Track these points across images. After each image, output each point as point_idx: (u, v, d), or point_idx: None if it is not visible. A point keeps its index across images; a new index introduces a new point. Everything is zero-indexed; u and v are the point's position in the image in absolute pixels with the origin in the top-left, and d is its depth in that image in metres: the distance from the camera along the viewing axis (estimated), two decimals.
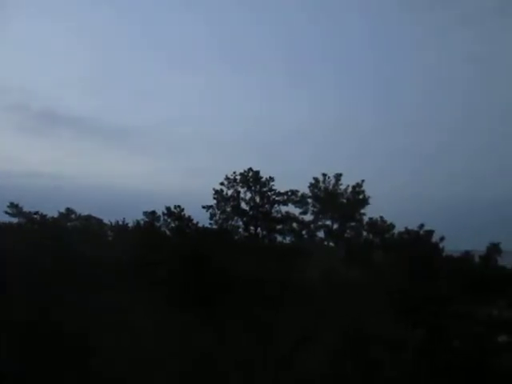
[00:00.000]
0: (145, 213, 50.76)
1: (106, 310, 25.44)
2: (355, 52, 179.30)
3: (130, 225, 53.89)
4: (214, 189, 49.81)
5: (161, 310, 26.74)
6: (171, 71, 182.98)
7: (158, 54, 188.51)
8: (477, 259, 49.91)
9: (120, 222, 55.29)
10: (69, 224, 60.10)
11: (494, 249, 48.58)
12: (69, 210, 61.03)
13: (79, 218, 61.60)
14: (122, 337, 22.57)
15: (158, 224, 49.52)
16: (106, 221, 59.58)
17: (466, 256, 49.60)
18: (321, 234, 53.04)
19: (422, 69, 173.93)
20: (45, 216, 57.16)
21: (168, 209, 47.62)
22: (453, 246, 49.21)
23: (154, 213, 50.04)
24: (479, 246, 51.13)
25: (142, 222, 51.23)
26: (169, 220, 48.19)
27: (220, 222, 49.32)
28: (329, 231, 52.26)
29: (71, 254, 36.23)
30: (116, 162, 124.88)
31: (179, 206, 47.24)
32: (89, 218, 61.57)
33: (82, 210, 61.69)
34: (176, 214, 47.08)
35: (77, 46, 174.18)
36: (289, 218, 49.55)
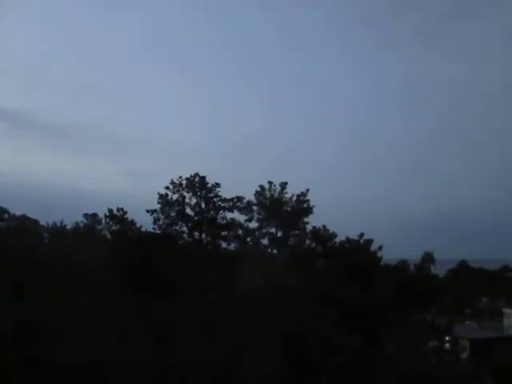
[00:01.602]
0: (85, 215, 49.07)
1: (35, 314, 24.21)
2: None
3: (69, 227, 51.87)
4: (158, 193, 49.03)
5: (98, 315, 25.82)
6: (126, 71, 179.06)
7: (110, 53, 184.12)
8: (412, 267, 52.58)
9: (58, 224, 53.03)
10: (1, 224, 56.84)
11: (428, 258, 51.36)
12: (1, 209, 57.74)
13: (13, 217, 58.39)
14: (55, 342, 21.57)
15: (99, 227, 47.97)
16: (42, 222, 56.97)
17: (402, 265, 52.06)
18: (265, 241, 53.53)
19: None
20: None
21: (110, 211, 46.20)
22: (390, 254, 51.46)
23: (95, 215, 48.46)
24: (415, 255, 53.90)
25: (81, 225, 49.48)
26: (110, 223, 46.75)
27: (164, 226, 48.50)
28: (273, 239, 52.81)
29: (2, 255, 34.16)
30: (55, 160, 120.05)
31: (122, 209, 46.01)
32: (23, 218, 58.50)
33: (16, 209, 58.64)
34: (118, 217, 45.76)
35: (17, 40, 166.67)
36: (234, 224, 49.61)
